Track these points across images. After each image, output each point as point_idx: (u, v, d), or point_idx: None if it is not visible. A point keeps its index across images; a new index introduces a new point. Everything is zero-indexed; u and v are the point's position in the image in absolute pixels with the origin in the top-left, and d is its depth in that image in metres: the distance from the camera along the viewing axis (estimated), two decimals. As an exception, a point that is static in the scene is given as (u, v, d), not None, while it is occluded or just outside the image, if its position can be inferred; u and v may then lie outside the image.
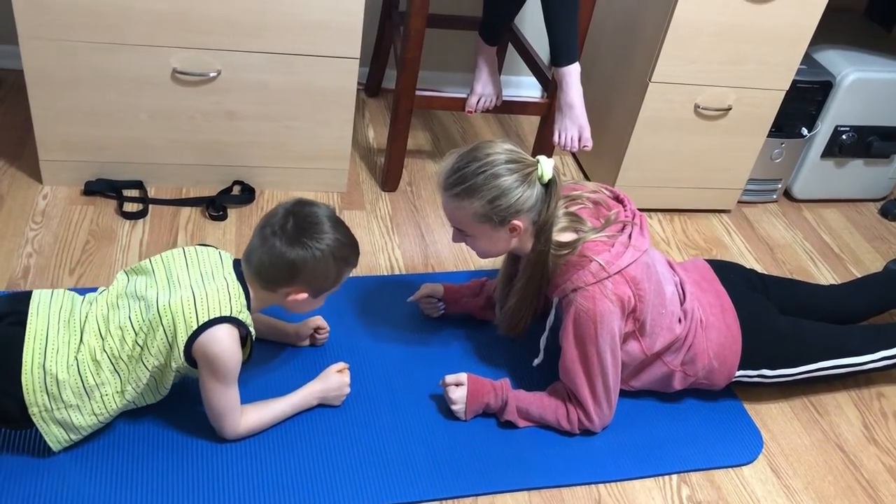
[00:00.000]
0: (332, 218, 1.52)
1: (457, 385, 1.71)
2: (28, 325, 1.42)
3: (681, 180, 2.51)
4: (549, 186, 1.59)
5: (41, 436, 1.45)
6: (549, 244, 1.63)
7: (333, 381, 1.66)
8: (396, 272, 2.13)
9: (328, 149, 2.28)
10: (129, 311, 1.47)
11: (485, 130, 2.85)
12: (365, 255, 2.15)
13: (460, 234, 1.68)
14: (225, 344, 1.44)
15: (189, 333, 1.42)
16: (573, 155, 2.78)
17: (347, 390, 1.68)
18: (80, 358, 1.42)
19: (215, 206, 2.20)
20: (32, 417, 1.41)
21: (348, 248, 1.52)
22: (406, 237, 2.27)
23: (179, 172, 2.25)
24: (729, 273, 1.93)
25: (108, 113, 2.09)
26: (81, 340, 1.44)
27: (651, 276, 1.67)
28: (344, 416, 1.68)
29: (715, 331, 1.78)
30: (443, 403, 1.74)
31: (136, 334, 1.45)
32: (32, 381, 1.39)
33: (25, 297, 1.48)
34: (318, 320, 1.82)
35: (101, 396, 1.45)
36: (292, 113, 2.19)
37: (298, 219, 1.48)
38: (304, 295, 1.52)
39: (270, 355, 1.79)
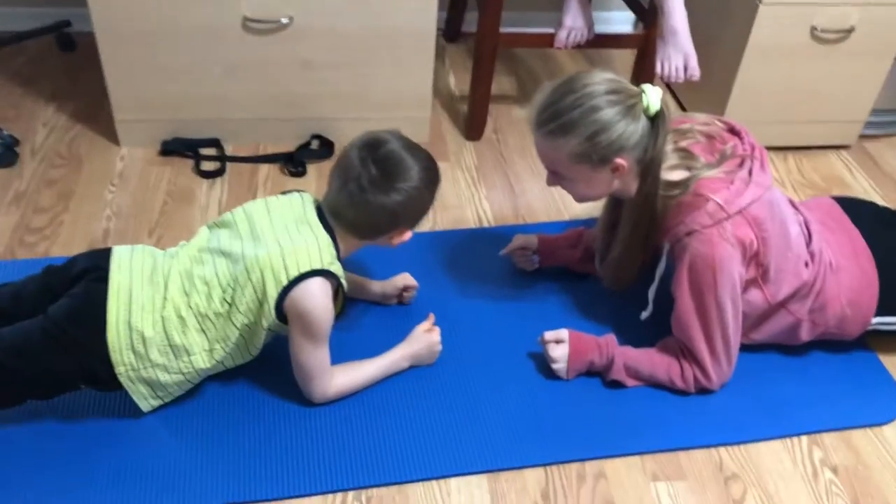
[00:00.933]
0: (408, 147, 1.43)
1: (557, 342, 1.58)
2: (111, 281, 1.37)
3: (795, 114, 2.28)
4: (656, 119, 1.42)
5: (131, 400, 1.41)
6: (657, 185, 1.46)
7: (422, 341, 1.57)
8: (485, 225, 2.00)
9: (408, 96, 2.16)
10: (214, 267, 1.40)
11: (574, 71, 2.65)
12: (451, 208, 2.04)
13: (555, 177, 1.53)
14: (318, 299, 1.36)
15: (280, 289, 1.35)
16: (671, 90, 2.56)
17: (439, 348, 1.58)
18: (165, 315, 1.36)
19: (294, 162, 2.12)
20: (119, 377, 1.36)
21: (434, 170, 1.46)
22: (494, 188, 2.13)
23: (256, 128, 2.16)
24: (859, 210, 1.73)
25: (181, 67, 2.01)
26: (166, 297, 1.38)
27: (775, 215, 1.49)
28: (437, 379, 1.58)
29: (847, 274, 1.58)
30: (542, 362, 1.61)
31: (223, 291, 1.38)
32: (118, 339, 1.33)
33: (105, 253, 1.43)
34: (406, 279, 1.72)
35: (189, 356, 1.39)
36: (368, 58, 2.06)
37: (380, 164, 1.38)
38: (409, 233, 1.48)
39: (356, 314, 1.70)
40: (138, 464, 1.39)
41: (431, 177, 1.45)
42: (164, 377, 1.39)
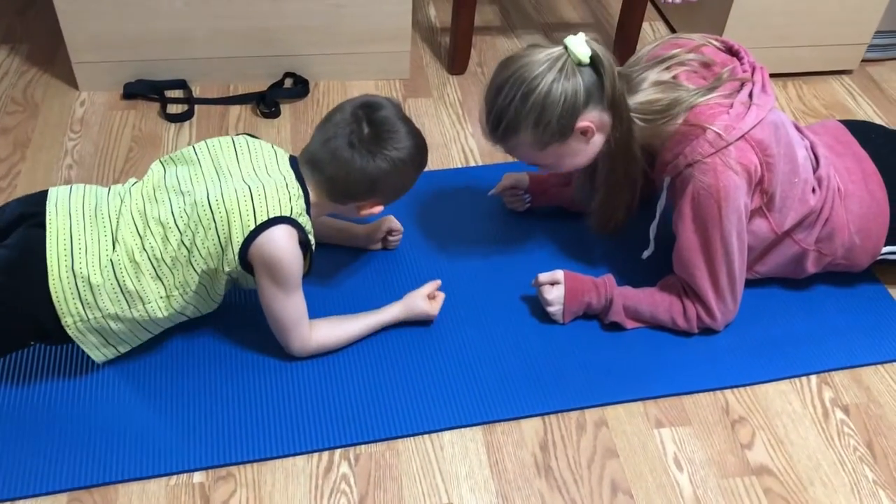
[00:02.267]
0: (404, 119, 1.35)
1: (552, 284, 1.49)
2: (48, 225, 1.25)
3: (794, 38, 2.16)
4: (594, 64, 1.32)
5: (86, 355, 1.32)
6: (630, 125, 1.37)
7: (419, 309, 1.45)
8: (472, 164, 1.90)
9: (385, 28, 2.02)
10: (170, 206, 1.29)
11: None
12: (435, 147, 1.93)
13: (541, 167, 1.48)
14: (285, 246, 1.26)
15: (246, 234, 1.25)
16: (662, 16, 2.44)
17: (435, 315, 1.47)
18: (115, 259, 1.25)
19: (266, 103, 1.99)
20: (66, 329, 1.25)
21: (424, 150, 1.39)
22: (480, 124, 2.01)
23: (225, 67, 2.03)
24: (868, 133, 1.63)
25: (140, 1, 1.87)
26: (116, 239, 1.27)
27: (780, 138, 1.39)
28: (426, 329, 1.49)
29: (856, 200, 1.50)
30: (537, 306, 1.52)
31: (181, 234, 1.27)
32: (62, 288, 1.23)
33: (41, 196, 1.31)
34: (391, 222, 1.62)
35: (144, 305, 1.28)
36: (342, -13, 1.93)
37: (374, 126, 1.30)
38: (380, 207, 1.39)
39: (339, 261, 1.60)
40: (105, 425, 1.30)
41: (420, 156, 1.37)
42: (115, 326, 1.28)
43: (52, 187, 1.33)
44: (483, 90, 1.40)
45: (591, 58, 1.31)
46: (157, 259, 1.27)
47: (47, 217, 1.26)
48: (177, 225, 1.27)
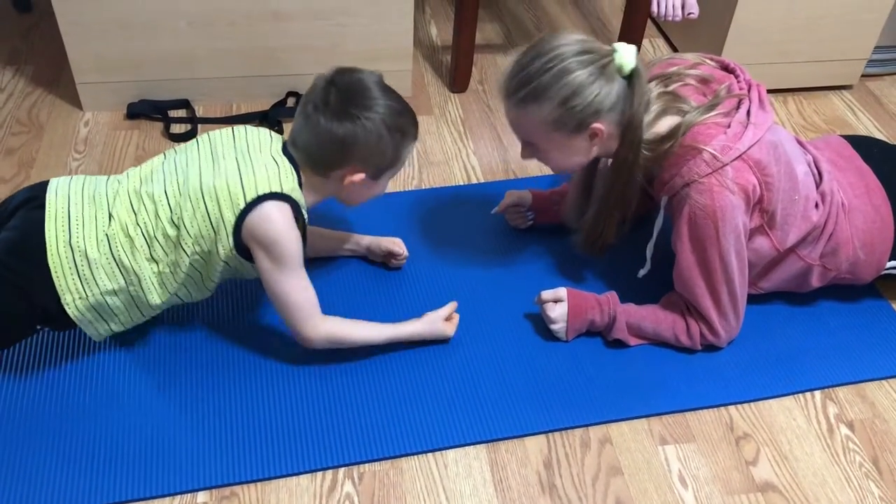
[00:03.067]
0: (380, 84, 1.32)
1: (555, 301, 1.49)
2: (48, 206, 1.29)
3: (794, 53, 2.17)
4: (631, 79, 1.32)
5: (85, 377, 1.34)
6: (638, 149, 1.37)
7: (437, 331, 1.46)
8: (474, 181, 1.90)
9: (387, 47, 2.04)
10: (164, 184, 1.31)
11: (561, 17, 2.54)
12: (437, 164, 1.93)
13: (531, 149, 1.45)
14: (279, 221, 1.27)
15: (237, 213, 1.25)
16: (662, 32, 2.45)
17: (451, 335, 1.48)
18: (110, 233, 1.28)
19: (269, 121, 2.00)
20: (66, 308, 1.27)
21: (403, 115, 1.33)
22: (481, 141, 2.02)
23: (228, 87, 2.04)
24: (871, 148, 1.63)
25: (143, 22, 1.88)
26: (111, 214, 1.29)
27: (779, 156, 1.39)
28: (429, 347, 1.48)
29: (860, 215, 1.50)
30: (540, 324, 1.52)
31: (171, 211, 1.28)
32: (61, 263, 1.25)
33: (43, 184, 1.35)
34: (396, 244, 1.61)
35: (139, 280, 1.30)
36: (344, 6, 1.94)
37: (342, 88, 1.29)
38: (362, 175, 1.33)
39: (341, 276, 1.61)
40: (107, 445, 1.30)
41: (397, 121, 1.31)
42: (112, 301, 1.30)
43: (54, 178, 1.36)
44: (517, 53, 1.36)
45: (632, 71, 1.31)
46: (149, 236, 1.29)
47: (47, 200, 1.29)
48: (168, 203, 1.29)
